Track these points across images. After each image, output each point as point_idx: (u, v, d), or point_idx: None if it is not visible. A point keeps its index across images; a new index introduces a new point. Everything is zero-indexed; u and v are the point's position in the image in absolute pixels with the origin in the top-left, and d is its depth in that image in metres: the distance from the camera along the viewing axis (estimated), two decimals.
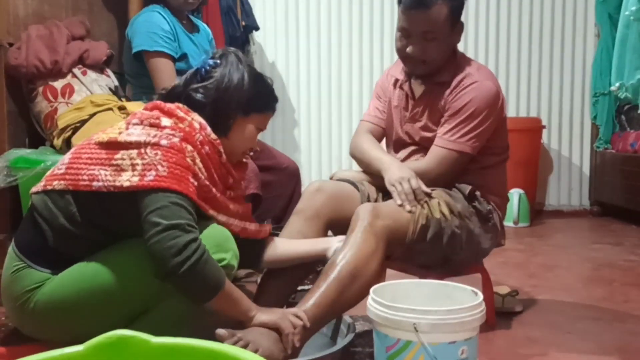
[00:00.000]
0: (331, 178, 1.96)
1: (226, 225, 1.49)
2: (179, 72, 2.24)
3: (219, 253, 1.39)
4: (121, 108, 2.36)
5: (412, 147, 1.96)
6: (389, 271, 1.73)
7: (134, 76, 2.58)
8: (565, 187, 4.51)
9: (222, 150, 1.48)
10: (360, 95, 4.39)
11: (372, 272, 1.55)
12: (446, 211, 1.76)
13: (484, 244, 1.88)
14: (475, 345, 1.32)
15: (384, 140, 2.09)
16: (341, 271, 1.52)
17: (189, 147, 1.39)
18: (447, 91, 1.88)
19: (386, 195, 1.84)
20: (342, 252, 1.56)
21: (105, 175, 1.35)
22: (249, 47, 3.99)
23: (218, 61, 1.53)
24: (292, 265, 1.67)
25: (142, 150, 1.35)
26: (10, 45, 2.41)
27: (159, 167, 1.33)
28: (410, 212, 1.71)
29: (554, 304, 2.25)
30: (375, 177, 1.90)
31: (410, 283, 1.52)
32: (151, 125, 1.40)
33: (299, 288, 1.84)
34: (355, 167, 2.10)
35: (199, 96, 1.49)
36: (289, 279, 1.71)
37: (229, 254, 1.42)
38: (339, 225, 1.76)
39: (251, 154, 1.64)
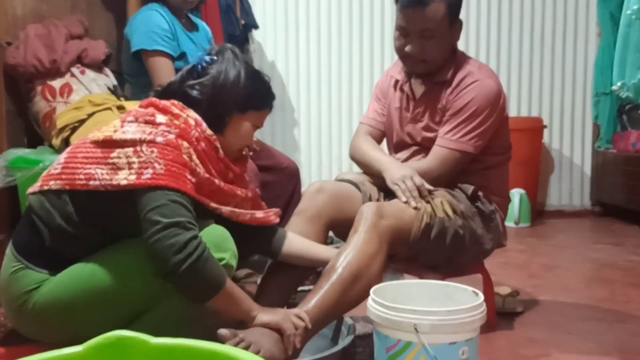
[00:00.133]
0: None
1: (233, 216, 1.48)
2: (178, 71, 2.22)
3: (217, 253, 1.38)
4: (120, 107, 2.35)
5: (414, 148, 1.95)
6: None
7: (132, 75, 2.57)
8: (567, 187, 4.50)
9: (218, 145, 1.46)
10: (361, 94, 4.38)
11: (375, 274, 1.54)
12: (449, 211, 1.75)
13: (486, 245, 1.87)
14: (476, 346, 1.31)
15: (384, 143, 2.09)
16: (343, 272, 1.51)
17: (185, 144, 1.37)
18: (448, 90, 1.87)
19: (388, 195, 1.83)
20: (345, 252, 1.55)
21: (102, 174, 1.34)
22: (248, 45, 3.98)
23: (215, 58, 1.52)
24: (292, 266, 1.66)
25: (138, 148, 1.34)
26: (9, 44, 2.40)
27: (156, 164, 1.32)
28: (416, 208, 1.70)
29: (555, 304, 2.24)
30: (376, 178, 1.89)
31: (411, 284, 1.51)
32: (146, 123, 1.39)
33: (299, 289, 1.83)
34: (356, 169, 2.09)
35: (194, 93, 1.48)
36: (290, 279, 1.70)
37: (228, 254, 1.41)
38: (340, 225, 1.75)
39: (250, 153, 1.63)
